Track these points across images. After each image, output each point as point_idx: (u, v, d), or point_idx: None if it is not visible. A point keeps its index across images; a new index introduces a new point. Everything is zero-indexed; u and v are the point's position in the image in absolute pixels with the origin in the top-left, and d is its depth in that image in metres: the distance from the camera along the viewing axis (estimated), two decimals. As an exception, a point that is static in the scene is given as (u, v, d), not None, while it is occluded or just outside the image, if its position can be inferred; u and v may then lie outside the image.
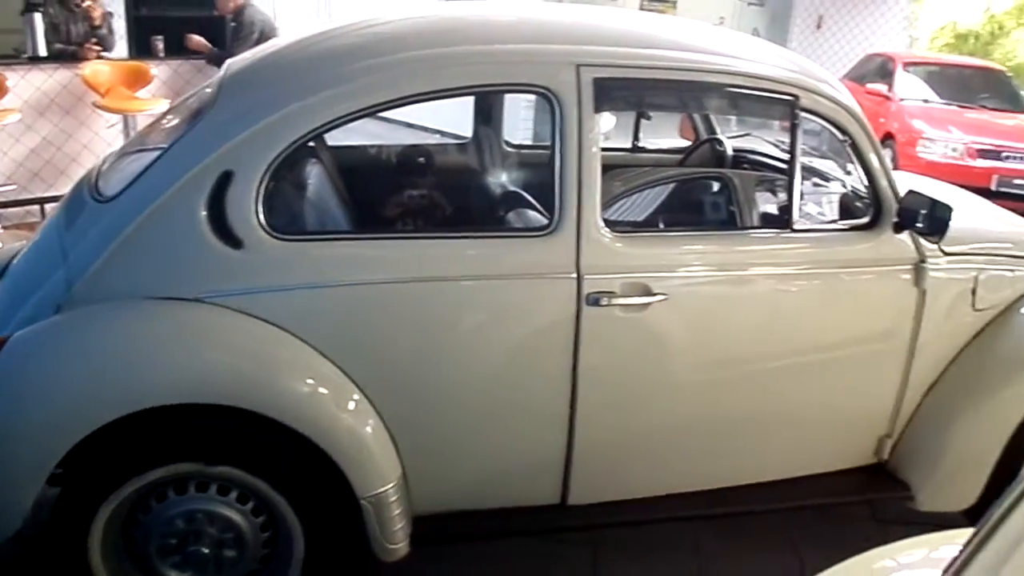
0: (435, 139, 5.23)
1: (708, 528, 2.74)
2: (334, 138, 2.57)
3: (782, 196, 2.51)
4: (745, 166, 3.20)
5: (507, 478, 2.24)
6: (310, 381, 2.00)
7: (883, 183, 2.35)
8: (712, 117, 3.34)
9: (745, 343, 2.29)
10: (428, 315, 2.06)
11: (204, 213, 1.95)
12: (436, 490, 2.18)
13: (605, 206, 2.13)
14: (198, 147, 2.00)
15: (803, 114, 2.25)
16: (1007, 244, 2.67)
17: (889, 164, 2.38)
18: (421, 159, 3.11)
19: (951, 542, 1.28)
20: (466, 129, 3.37)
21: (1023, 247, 2.70)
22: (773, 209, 2.63)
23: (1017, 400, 2.49)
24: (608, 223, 2.13)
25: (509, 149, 3.20)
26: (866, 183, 2.37)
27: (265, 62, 2.31)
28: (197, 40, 5.99)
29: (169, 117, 2.48)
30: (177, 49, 6.14)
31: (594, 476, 2.27)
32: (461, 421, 2.14)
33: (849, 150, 2.33)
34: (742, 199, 2.57)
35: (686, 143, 3.63)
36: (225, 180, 1.95)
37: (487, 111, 3.23)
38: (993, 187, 7.42)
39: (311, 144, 2.34)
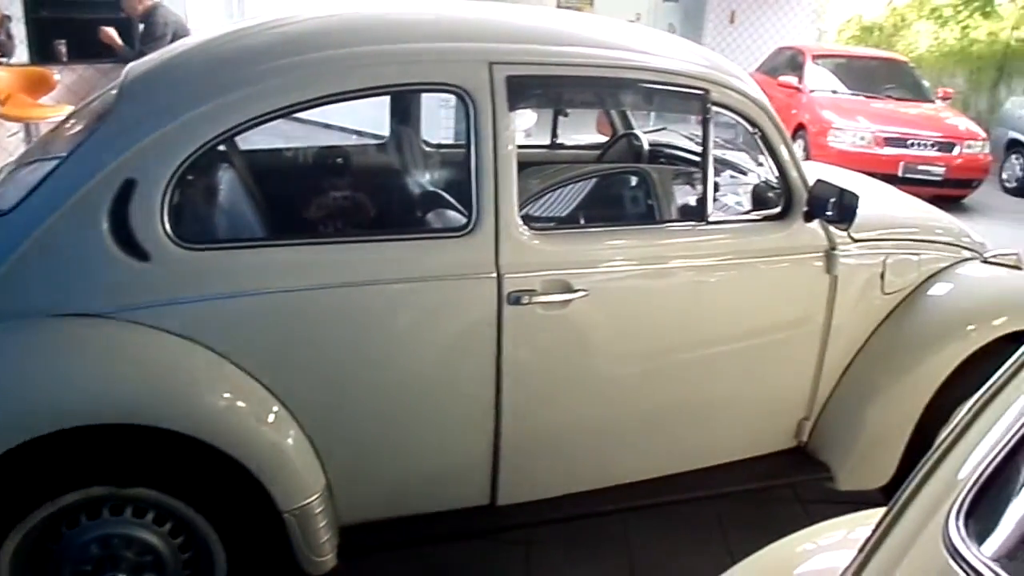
0: (353, 140, 5.16)
1: (637, 520, 2.77)
2: (248, 141, 2.51)
3: (697, 189, 2.55)
4: (662, 160, 3.25)
5: (435, 482, 2.22)
6: (227, 395, 1.94)
7: (792, 174, 2.42)
8: (628, 113, 3.38)
9: (666, 335, 2.32)
10: (348, 321, 2.02)
11: (106, 225, 1.87)
12: (363, 499, 2.15)
13: (525, 204, 2.12)
14: (97, 155, 1.92)
15: (714, 108, 2.29)
16: (912, 229, 2.78)
17: (799, 155, 2.45)
18: (338, 161, 3.05)
19: (866, 523, 1.31)
20: (384, 129, 3.33)
21: (928, 231, 2.82)
22: (689, 202, 2.67)
23: (926, 379, 2.58)
24: (527, 221, 2.13)
25: (428, 149, 3.17)
26: (776, 174, 2.43)
27: (169, 64, 2.23)
28: (109, 32, 5.76)
29: (70, 123, 2.37)
30: (83, 53, 5.91)
31: (522, 475, 2.27)
32: (385, 427, 2.11)
33: (759, 142, 2.39)
34: (659, 193, 2.60)
35: (604, 138, 3.66)
36: (127, 189, 1.87)
37: (404, 110, 3.19)
38: (900, 174, 7.74)
39: (220, 148, 2.27)
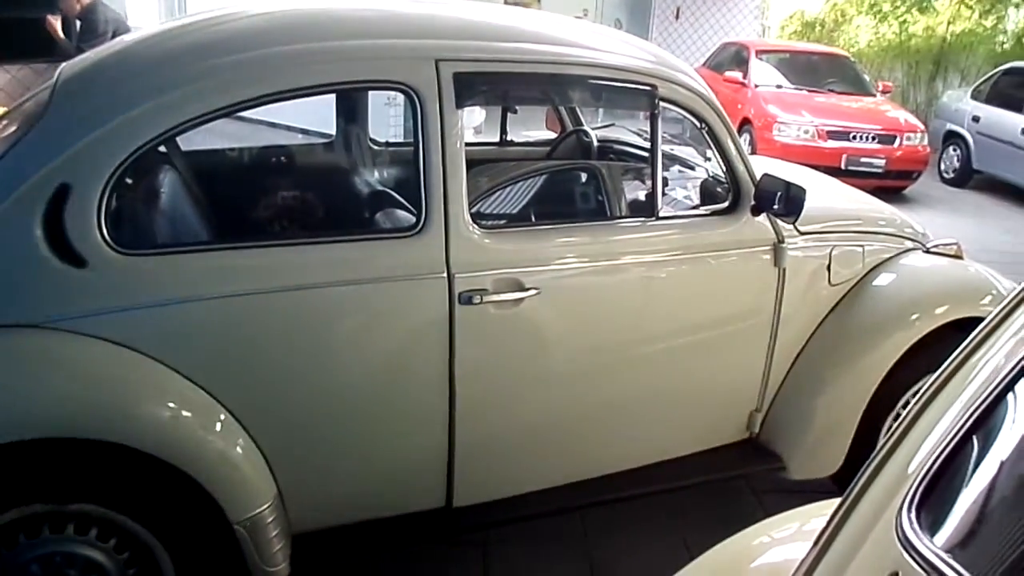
0: (299, 139, 5.07)
1: (594, 516, 2.78)
2: (190, 142, 2.44)
3: (647, 185, 2.56)
4: (611, 157, 3.25)
5: (389, 486, 2.19)
6: (171, 404, 1.89)
7: (740, 168, 2.44)
8: (577, 109, 3.38)
9: (619, 331, 2.32)
10: (296, 325, 1.97)
11: (40, 231, 1.79)
12: (316, 506, 2.11)
13: (475, 202, 2.10)
14: (29, 159, 1.84)
15: (662, 103, 2.30)
16: (857, 221, 2.82)
17: (745, 150, 2.47)
18: (283, 160, 2.99)
19: (820, 514, 1.32)
20: (331, 128, 3.27)
21: (871, 223, 2.87)
22: (639, 198, 2.68)
23: (872, 368, 2.64)
24: (477, 219, 2.11)
25: (375, 147, 3.13)
26: (724, 169, 2.45)
27: (104, 63, 2.14)
28: (53, 23, 5.56)
29: (1, 126, 2.28)
30: (16, 52, 5.70)
31: (478, 476, 2.25)
32: (338, 432, 2.08)
33: (707, 137, 2.40)
34: (609, 189, 2.60)
35: (554, 135, 3.66)
36: (62, 193, 1.80)
37: (351, 108, 3.13)
38: (842, 166, 7.91)
39: (160, 150, 2.20)
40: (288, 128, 6.11)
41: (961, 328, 2.74)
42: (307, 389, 2.01)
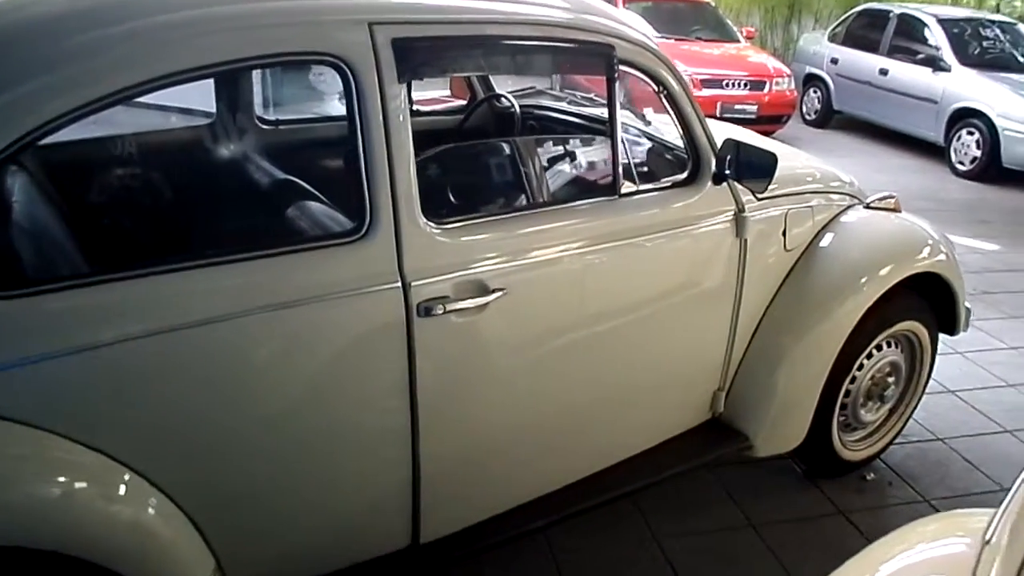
0: (189, 122, 4.12)
1: (559, 526, 2.55)
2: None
3: (605, 159, 2.29)
4: (531, 124, 2.97)
5: (348, 532, 1.86)
6: (61, 479, 1.47)
7: (700, 134, 2.22)
8: (490, 75, 3.05)
9: (589, 324, 2.08)
10: (217, 366, 1.58)
11: None
12: (264, 569, 1.76)
13: (424, 191, 1.76)
14: None
15: (620, 66, 2.03)
16: (804, 178, 2.69)
17: (703, 113, 2.25)
18: (176, 155, 2.48)
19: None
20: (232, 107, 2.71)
21: (816, 180, 2.74)
22: (599, 175, 2.40)
23: (831, 335, 2.53)
24: (430, 213, 1.78)
25: (299, 135, 2.67)
26: (683, 135, 2.22)
27: None
28: None
29: None
30: None
31: (446, 504, 1.96)
32: (282, 482, 1.72)
33: (665, 102, 2.16)
34: (567, 165, 2.32)
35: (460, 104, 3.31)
36: None
37: (234, 81, 2.58)
38: (718, 114, 7.95)
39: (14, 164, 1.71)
40: (163, 108, 5.06)
41: (917, 286, 2.70)
42: (240, 439, 1.64)
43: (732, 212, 2.31)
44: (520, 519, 2.10)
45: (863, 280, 2.56)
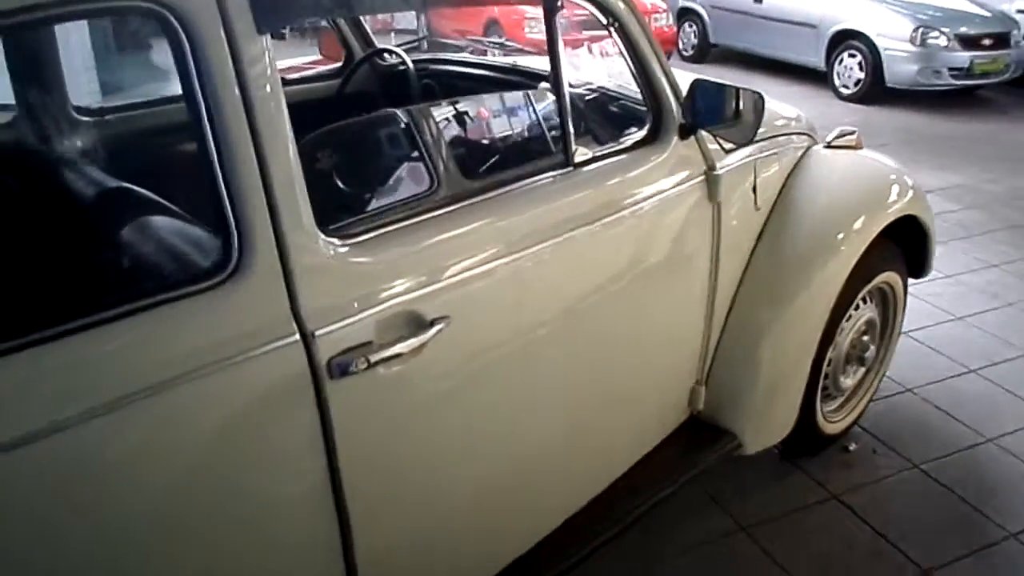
0: None
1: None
2: None
3: (546, 121, 1.77)
4: (426, 83, 2.41)
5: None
6: None
7: (661, 79, 1.74)
8: (366, 26, 2.46)
9: (554, 335, 1.58)
10: (48, 499, 1.00)
11: None
12: None
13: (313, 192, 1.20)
14: None
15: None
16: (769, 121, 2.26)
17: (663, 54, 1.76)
18: None
19: None
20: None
21: (773, 119, 2.31)
22: (545, 144, 1.81)
23: (815, 300, 2.15)
24: (327, 223, 1.22)
25: (109, 119, 2.00)
26: (641, 81, 1.73)
27: None
28: None
29: None
30: None
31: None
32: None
33: (619, 39, 1.67)
34: (494, 136, 1.77)
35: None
36: None
37: (32, 56, 1.89)
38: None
39: None
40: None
41: (894, 234, 2.34)
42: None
43: (702, 171, 1.86)
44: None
45: (842, 235, 2.18)
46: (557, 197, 1.54)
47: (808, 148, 2.39)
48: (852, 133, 2.52)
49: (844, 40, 7.72)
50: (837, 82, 7.81)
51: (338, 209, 1.31)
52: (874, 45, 7.43)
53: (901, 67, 7.34)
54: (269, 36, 1.12)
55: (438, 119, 1.60)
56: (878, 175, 2.41)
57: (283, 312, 1.14)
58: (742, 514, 2.31)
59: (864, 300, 2.43)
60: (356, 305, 1.21)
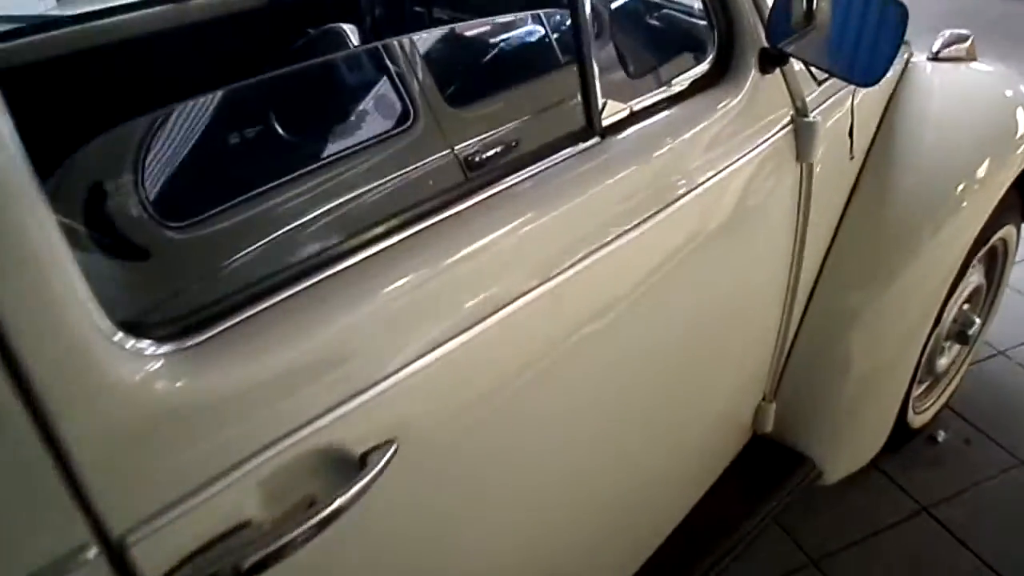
0: None
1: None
2: None
3: (565, 82, 1.10)
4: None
5: None
6: None
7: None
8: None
9: (578, 405, 1.02)
10: None
11: None
12: None
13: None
14: None
15: None
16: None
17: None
18: None
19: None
20: None
21: None
22: (561, 113, 1.11)
23: (927, 277, 1.58)
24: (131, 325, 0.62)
25: None
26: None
27: None
28: None
29: None
30: None
31: None
32: None
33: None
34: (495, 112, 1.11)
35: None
36: None
37: None
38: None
39: None
40: None
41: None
42: None
43: (787, 118, 1.25)
44: None
45: (962, 187, 1.59)
46: (580, 188, 0.93)
47: (906, 63, 1.76)
48: (966, 40, 1.86)
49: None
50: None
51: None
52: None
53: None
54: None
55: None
56: (1010, 101, 1.77)
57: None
58: (810, 541, 1.82)
59: (973, 265, 1.86)
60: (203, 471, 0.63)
